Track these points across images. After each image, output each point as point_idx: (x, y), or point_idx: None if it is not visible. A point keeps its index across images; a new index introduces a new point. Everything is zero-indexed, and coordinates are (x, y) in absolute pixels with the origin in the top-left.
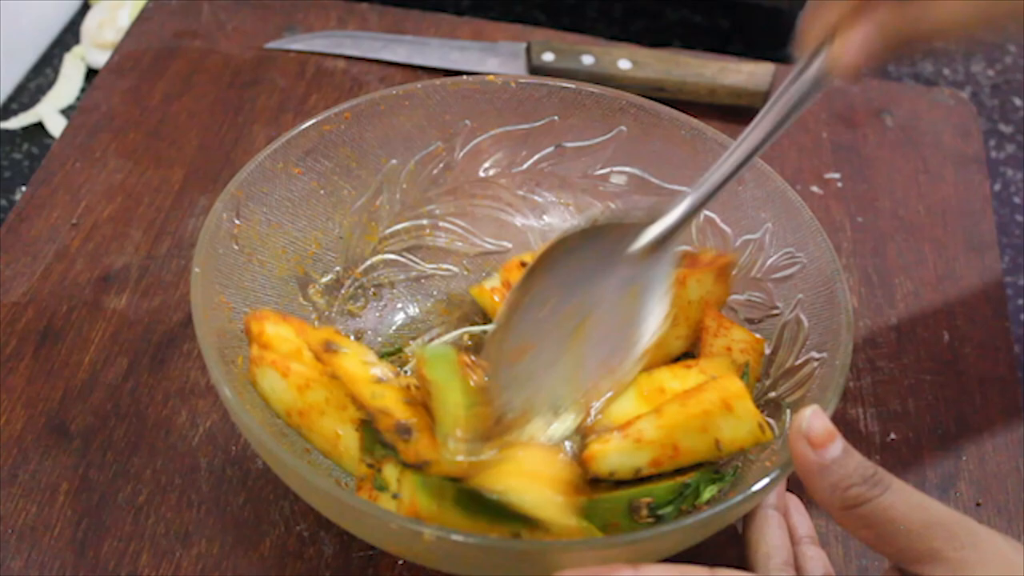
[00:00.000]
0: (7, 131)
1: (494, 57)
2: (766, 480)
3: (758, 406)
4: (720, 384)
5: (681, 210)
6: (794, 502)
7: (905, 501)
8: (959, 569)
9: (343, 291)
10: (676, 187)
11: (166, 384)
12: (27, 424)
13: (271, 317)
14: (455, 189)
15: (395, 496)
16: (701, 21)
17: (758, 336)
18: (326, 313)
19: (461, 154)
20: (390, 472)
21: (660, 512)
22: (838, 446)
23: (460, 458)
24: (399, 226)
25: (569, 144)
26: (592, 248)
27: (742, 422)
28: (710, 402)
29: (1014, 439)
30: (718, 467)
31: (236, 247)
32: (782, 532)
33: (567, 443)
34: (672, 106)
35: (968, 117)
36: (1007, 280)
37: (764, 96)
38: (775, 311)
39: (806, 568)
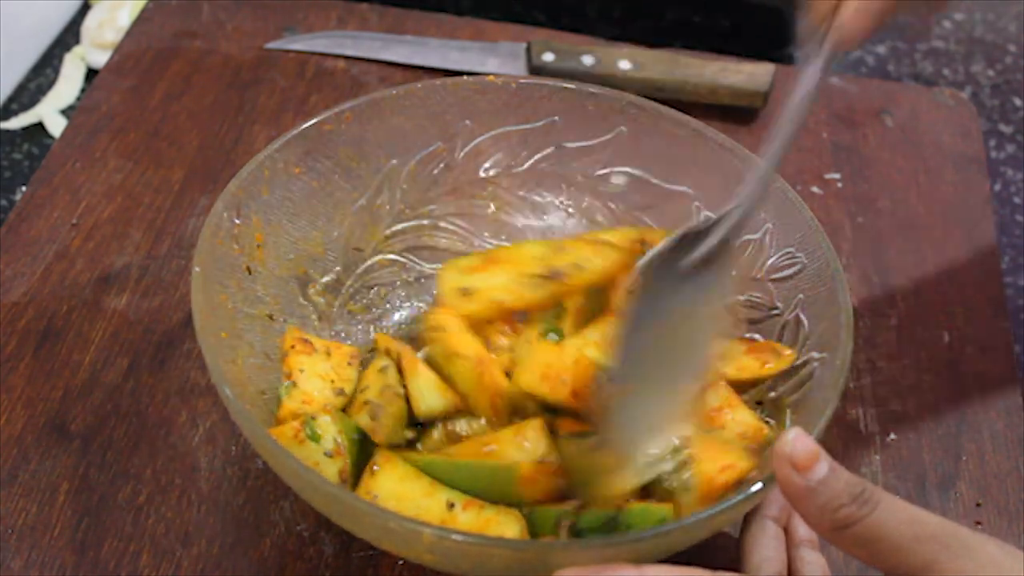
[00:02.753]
0: (7, 131)
1: (494, 57)
2: (763, 482)
3: (758, 406)
4: None
5: (730, 222)
6: None
7: (895, 517)
8: None
9: (343, 291)
10: (676, 187)
11: (166, 384)
12: (27, 424)
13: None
14: (455, 189)
15: (327, 454)
16: (701, 21)
17: (767, 422)
18: (326, 313)
19: (461, 154)
20: (325, 427)
21: (582, 534)
22: (823, 466)
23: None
24: (399, 226)
25: (569, 144)
26: (660, 272)
27: None
28: None
29: (1014, 439)
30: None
31: (236, 247)
32: (777, 543)
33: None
34: (672, 106)
35: (968, 117)
36: (1007, 280)
37: (764, 96)
38: (775, 311)
39: (803, 572)
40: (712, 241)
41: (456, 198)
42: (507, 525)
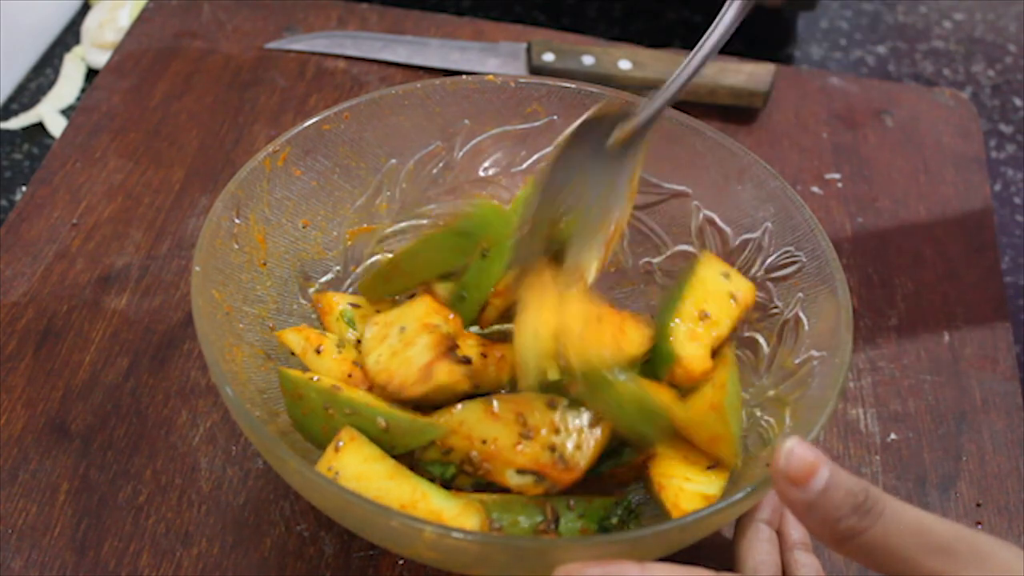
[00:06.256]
0: (7, 131)
1: (494, 57)
2: (763, 480)
3: (758, 405)
4: None
5: (655, 106)
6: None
7: (900, 528)
8: None
9: (343, 290)
10: (676, 187)
11: (166, 384)
12: (27, 424)
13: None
14: (455, 189)
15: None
16: (701, 21)
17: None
18: None
19: (461, 154)
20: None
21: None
22: (823, 476)
23: None
24: (399, 226)
25: None
26: (581, 144)
27: None
28: None
29: (1014, 439)
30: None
31: (236, 247)
32: (771, 546)
33: None
34: (672, 106)
35: (968, 117)
36: (1007, 280)
37: (764, 96)
38: (775, 311)
39: (797, 574)
40: (635, 124)
41: (455, 197)
42: (466, 518)
